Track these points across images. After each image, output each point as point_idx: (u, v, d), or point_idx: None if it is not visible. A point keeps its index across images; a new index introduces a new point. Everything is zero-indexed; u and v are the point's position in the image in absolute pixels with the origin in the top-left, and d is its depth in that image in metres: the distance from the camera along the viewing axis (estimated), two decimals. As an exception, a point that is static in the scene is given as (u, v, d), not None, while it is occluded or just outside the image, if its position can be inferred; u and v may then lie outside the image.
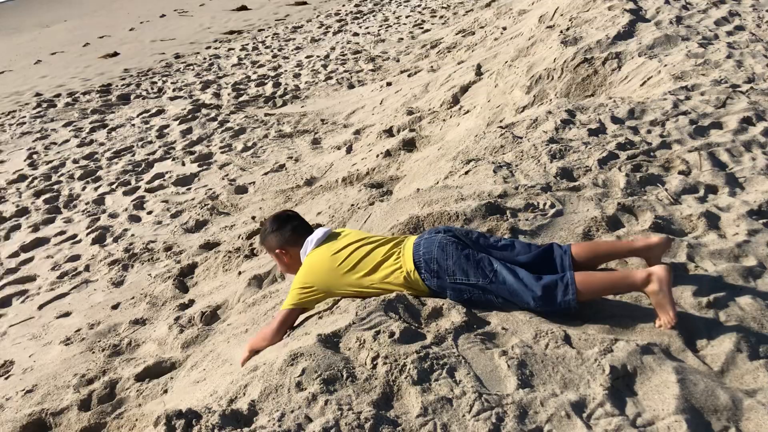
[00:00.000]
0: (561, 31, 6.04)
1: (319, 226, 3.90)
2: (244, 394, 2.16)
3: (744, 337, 2.45)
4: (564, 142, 3.96)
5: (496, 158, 3.84)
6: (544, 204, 3.28)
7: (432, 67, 10.70)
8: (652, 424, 2.05)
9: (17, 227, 7.48)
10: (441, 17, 15.34)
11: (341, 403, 2.04)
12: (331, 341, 2.35)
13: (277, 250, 3.41)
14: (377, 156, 6.94)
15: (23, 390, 4.70)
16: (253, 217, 6.86)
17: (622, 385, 2.19)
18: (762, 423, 2.10)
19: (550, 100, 5.04)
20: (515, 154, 3.80)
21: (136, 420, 4.23)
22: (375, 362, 2.22)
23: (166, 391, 4.36)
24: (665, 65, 5.17)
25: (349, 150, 7.93)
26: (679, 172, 3.68)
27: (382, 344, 2.28)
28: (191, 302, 5.44)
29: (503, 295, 2.69)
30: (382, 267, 2.92)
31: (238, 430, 1.94)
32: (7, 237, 7.34)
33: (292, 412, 2.01)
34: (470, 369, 2.21)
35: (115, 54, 14.12)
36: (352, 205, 5.64)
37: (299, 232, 3.37)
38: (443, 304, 2.60)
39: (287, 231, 3.38)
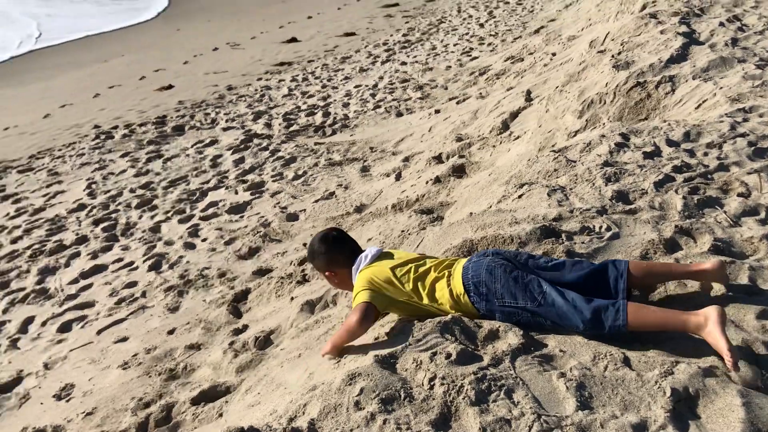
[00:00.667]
0: (612, 56, 6.01)
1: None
2: (304, 413, 2.19)
3: (813, 362, 2.38)
4: (618, 165, 3.93)
5: (549, 182, 3.84)
6: (600, 227, 3.26)
7: (481, 93, 10.73)
8: None
9: (77, 255, 7.70)
10: (489, 44, 15.40)
11: (399, 422, 2.05)
12: (387, 362, 2.36)
13: (326, 273, 3.42)
14: (427, 182, 6.98)
15: (83, 412, 4.83)
16: (305, 244, 6.93)
17: (684, 408, 2.15)
18: None
19: (603, 124, 5.01)
20: (569, 178, 3.79)
21: (192, 445, 4.30)
22: (432, 383, 2.23)
23: (221, 415, 4.42)
24: (721, 87, 5.10)
25: (398, 177, 7.98)
26: (738, 195, 3.61)
27: (439, 365, 2.29)
28: (245, 327, 5.51)
29: (552, 317, 2.67)
30: (434, 288, 2.92)
31: (299, 448, 1.97)
32: (67, 264, 7.56)
33: (351, 430, 2.03)
34: (528, 390, 2.20)
35: (170, 87, 14.55)
36: (403, 231, 5.66)
37: (348, 254, 3.36)
38: (499, 327, 2.59)
39: (339, 254, 3.35)
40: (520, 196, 3.73)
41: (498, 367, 2.30)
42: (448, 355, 2.33)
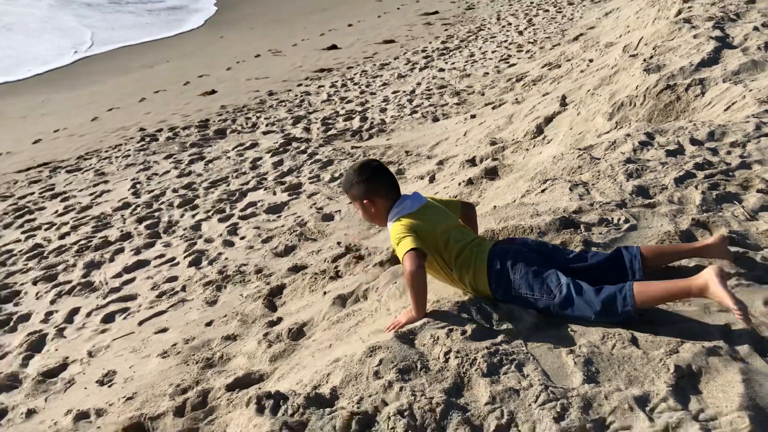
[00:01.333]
0: (644, 60, 6.07)
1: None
2: (327, 381, 2.35)
3: (814, 345, 2.46)
4: (641, 162, 4.02)
5: (572, 178, 3.95)
6: (618, 219, 3.37)
7: (517, 99, 10.82)
8: (714, 420, 2.10)
9: (121, 250, 7.99)
10: (527, 51, 15.46)
11: (415, 390, 2.20)
12: (406, 338, 2.51)
13: (364, 200, 3.26)
14: (459, 184, 7.10)
15: (124, 397, 5.05)
16: (338, 243, 7.10)
17: (686, 383, 2.25)
18: None
19: (630, 124, 5.09)
20: (592, 174, 3.90)
21: (226, 426, 4.48)
22: (447, 356, 2.37)
23: (254, 400, 4.58)
24: (750, 90, 5.14)
25: (431, 179, 8.12)
26: (758, 191, 3.68)
27: (455, 340, 2.43)
28: (279, 320, 5.69)
29: (565, 311, 2.76)
30: (461, 262, 2.97)
31: (322, 409, 2.13)
32: (111, 259, 7.85)
33: (370, 396, 2.19)
34: (538, 365, 2.33)
35: (213, 92, 14.92)
36: (434, 229, 5.81)
37: (387, 184, 3.27)
38: (514, 309, 2.73)
39: (378, 182, 3.23)
40: (543, 191, 3.85)
41: (510, 344, 2.43)
42: (464, 332, 2.47)
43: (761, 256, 3.05)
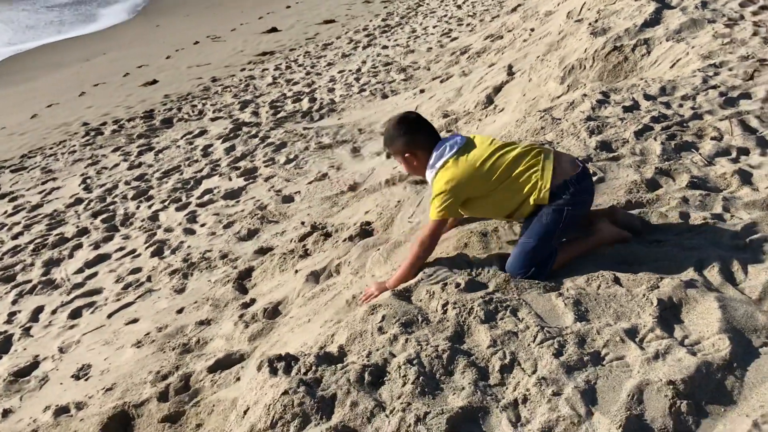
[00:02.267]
0: (590, 24, 6.28)
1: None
2: (332, 341, 2.44)
3: (778, 270, 2.68)
4: (601, 119, 4.21)
5: (537, 138, 4.11)
6: (587, 173, 3.54)
7: (463, 71, 10.97)
8: (698, 343, 2.30)
9: (79, 246, 7.86)
10: (468, 25, 15.63)
11: (420, 340, 2.31)
12: (403, 296, 2.62)
13: (406, 154, 3.23)
14: (417, 156, 7.21)
15: (103, 388, 5.02)
16: (303, 223, 7.14)
17: (669, 315, 2.44)
18: None
19: (584, 85, 5.29)
20: (556, 133, 4.07)
21: (213, 405, 4.53)
22: (445, 308, 2.49)
23: (238, 379, 4.62)
24: (693, 47, 5.39)
25: (388, 155, 8.22)
26: (712, 138, 3.90)
27: (450, 293, 2.55)
28: (252, 301, 5.73)
29: (542, 256, 2.95)
30: (518, 180, 3.01)
31: (333, 366, 2.22)
32: (71, 255, 7.72)
33: (378, 350, 2.29)
34: (531, 309, 2.47)
35: (155, 81, 14.66)
36: (399, 201, 5.91)
37: (427, 135, 3.26)
38: (494, 262, 2.88)
39: (418, 134, 3.21)
40: (510, 152, 3.98)
41: (502, 292, 2.57)
42: (458, 285, 2.59)
43: (722, 196, 3.27)
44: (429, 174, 3.12)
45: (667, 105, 4.38)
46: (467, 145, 3.13)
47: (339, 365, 2.25)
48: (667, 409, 2.08)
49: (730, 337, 2.30)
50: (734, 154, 3.75)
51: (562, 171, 3.03)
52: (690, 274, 2.66)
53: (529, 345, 2.31)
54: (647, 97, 4.54)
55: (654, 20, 6.13)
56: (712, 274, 2.69)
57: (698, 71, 4.81)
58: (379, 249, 3.63)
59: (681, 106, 4.35)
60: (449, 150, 3.09)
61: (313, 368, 2.22)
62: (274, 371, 2.24)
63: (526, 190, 2.99)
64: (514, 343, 2.32)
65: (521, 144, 3.16)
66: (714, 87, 4.56)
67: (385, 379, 2.18)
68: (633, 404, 2.10)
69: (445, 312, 2.49)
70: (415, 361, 2.22)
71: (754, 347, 2.33)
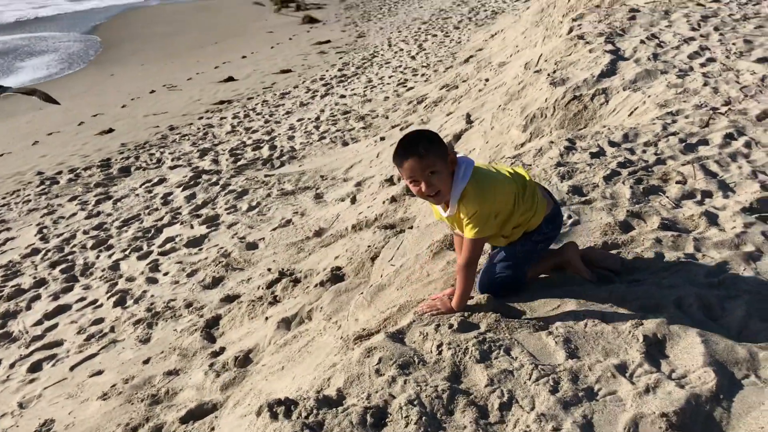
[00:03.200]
0: (548, 74, 6.54)
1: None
2: (329, 384, 2.46)
3: (753, 305, 2.87)
4: (570, 164, 4.38)
5: (510, 183, 4.25)
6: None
7: (422, 120, 11.22)
8: (685, 377, 2.42)
9: (37, 297, 7.68)
10: (422, 75, 16.01)
11: (418, 381, 2.35)
12: (397, 337, 2.66)
13: (450, 156, 2.89)
14: (383, 202, 7.30)
15: (69, 444, 4.89)
16: (269, 269, 7.12)
17: (655, 350, 2.55)
18: None
19: (549, 133, 5.49)
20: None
21: (191, 455, 4.44)
22: (440, 349, 2.54)
23: (213, 429, 4.56)
24: (649, 96, 5.67)
25: (353, 201, 8.30)
26: (677, 182, 4.11)
27: (444, 334, 2.61)
28: (222, 350, 5.66)
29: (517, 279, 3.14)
30: (526, 205, 3.03)
31: (334, 409, 2.24)
32: (28, 307, 7.53)
33: (377, 392, 2.32)
34: (523, 348, 2.55)
35: (111, 130, 14.54)
36: (369, 246, 5.96)
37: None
38: (483, 299, 2.97)
39: (445, 145, 2.93)
40: (486, 197, 4.11)
41: (494, 332, 2.64)
42: (451, 325, 2.66)
43: (692, 237, 3.44)
44: (459, 187, 2.86)
45: (632, 151, 4.60)
46: (480, 167, 3.01)
47: (340, 408, 2.27)
48: (662, 441, 2.17)
49: (714, 370, 2.41)
50: (699, 197, 3.96)
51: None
52: (671, 310, 2.79)
53: (525, 383, 2.38)
54: (612, 143, 4.75)
55: (610, 71, 6.42)
56: (692, 310, 2.83)
57: (657, 119, 5.06)
58: (362, 293, 3.67)
59: (644, 152, 4.57)
60: (469, 169, 2.89)
61: (315, 411, 2.24)
62: (274, 416, 2.24)
63: (527, 217, 3.05)
64: (511, 382, 2.38)
65: (515, 169, 3.21)
66: (673, 134, 4.80)
67: (387, 420, 2.21)
68: (630, 437, 2.19)
69: (440, 353, 2.54)
70: (415, 402, 2.26)
71: (737, 379, 2.45)
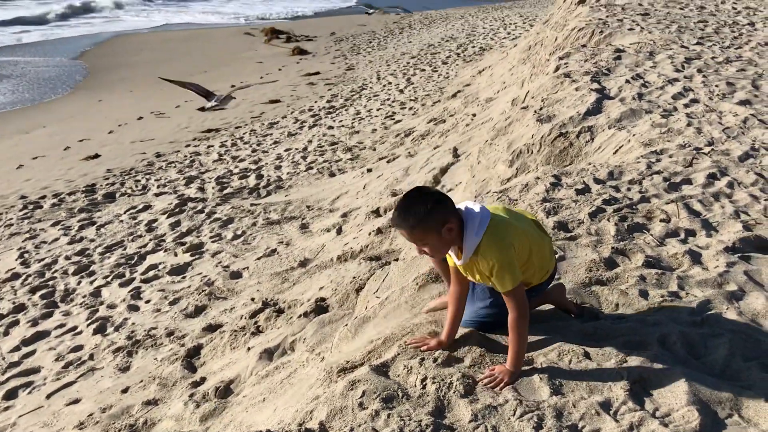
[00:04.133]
0: (535, 111, 6.63)
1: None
2: (312, 417, 2.43)
3: (736, 344, 2.89)
4: (555, 200, 4.42)
5: (496, 218, 4.27)
6: (548, 252, 3.71)
7: (409, 153, 11.28)
8: (669, 415, 2.42)
9: (16, 323, 7.57)
10: (410, 108, 16.14)
11: (402, 415, 2.33)
12: (381, 370, 2.65)
13: (448, 225, 2.76)
14: (369, 234, 7.31)
15: (43, 474, 4.79)
16: (253, 299, 7.08)
17: (639, 388, 2.56)
18: (759, 408, 2.52)
19: (535, 169, 5.55)
20: (513, 214, 4.25)
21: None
22: (424, 383, 2.53)
23: (192, 461, 4.49)
24: (634, 135, 5.76)
25: (339, 231, 8.29)
26: (661, 221, 4.16)
27: (428, 368, 2.60)
28: (203, 380, 5.59)
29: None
30: (540, 254, 2.99)
31: (316, 442, 2.21)
32: (6, 333, 7.41)
33: (360, 426, 2.30)
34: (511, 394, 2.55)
35: (97, 156, 14.49)
36: (354, 277, 5.95)
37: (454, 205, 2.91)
38: (468, 333, 2.96)
39: (447, 201, 2.84)
40: (472, 231, 4.13)
41: (479, 366, 2.64)
42: (435, 359, 2.65)
43: (676, 275, 3.47)
44: (472, 242, 2.76)
45: (617, 188, 4.65)
46: (496, 215, 2.95)
47: (322, 441, 2.25)
48: (647, 481, 2.16)
49: (698, 409, 2.42)
50: (683, 235, 4.00)
51: None
52: (654, 348, 2.80)
53: (509, 419, 2.37)
54: (597, 180, 4.80)
55: (595, 109, 6.52)
56: (676, 348, 2.84)
57: (641, 157, 5.13)
58: (346, 324, 3.65)
59: (629, 189, 4.63)
60: (484, 223, 2.80)
61: (296, 444, 2.21)
62: (256, 449, 2.21)
63: (534, 274, 3.00)
64: (495, 417, 2.37)
65: (529, 214, 3.20)
66: (658, 172, 4.87)
67: (369, 455, 2.19)
68: (615, 476, 2.18)
69: (424, 387, 2.53)
70: (399, 436, 2.24)
71: (720, 418, 2.46)
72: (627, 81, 7.40)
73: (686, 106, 6.66)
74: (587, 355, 2.73)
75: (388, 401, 2.44)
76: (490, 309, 3.02)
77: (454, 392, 2.48)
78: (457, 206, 2.89)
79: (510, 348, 2.73)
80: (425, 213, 2.73)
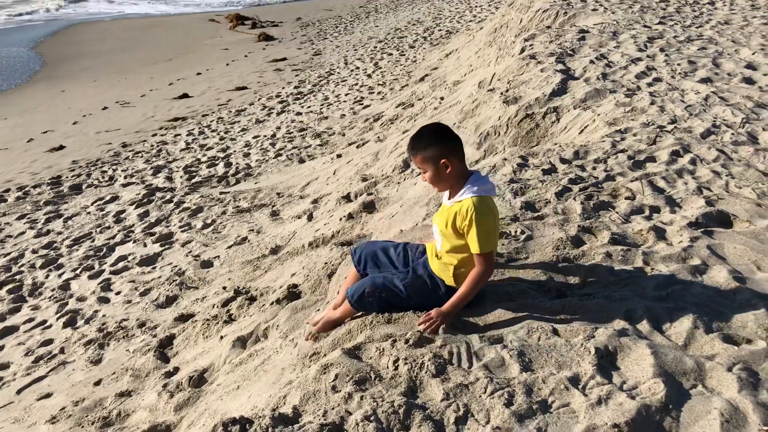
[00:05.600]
0: (501, 93, 6.67)
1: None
2: (285, 402, 2.45)
3: (699, 317, 2.95)
4: (522, 181, 4.47)
5: (465, 199, 4.30)
6: (516, 231, 3.75)
7: (378, 137, 11.27)
8: (636, 388, 2.48)
9: (-18, 319, 7.45)
10: (378, 93, 16.11)
11: (375, 397, 2.36)
12: (353, 353, 2.67)
13: (443, 160, 3.05)
14: (340, 219, 7.31)
15: (16, 470, 4.74)
16: (224, 287, 7.04)
17: (606, 362, 2.62)
18: (722, 378, 2.59)
19: (503, 150, 5.59)
20: (482, 195, 4.28)
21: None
22: (396, 364, 2.56)
23: (167, 451, 4.47)
24: (599, 114, 5.83)
25: (310, 218, 8.28)
26: (626, 198, 4.23)
27: (400, 349, 2.62)
28: (176, 370, 5.56)
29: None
30: None
31: (290, 426, 2.23)
32: (-28, 329, 7.30)
33: (333, 409, 2.31)
34: (479, 361, 2.57)
35: (61, 147, 14.25)
36: (326, 263, 5.95)
37: (462, 153, 3.20)
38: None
39: (458, 143, 3.13)
40: (441, 213, 4.17)
41: (450, 346, 2.67)
42: (407, 341, 2.67)
43: (641, 251, 3.54)
44: (464, 194, 3.03)
45: (582, 168, 4.71)
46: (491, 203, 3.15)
47: (296, 426, 2.26)
48: (614, 451, 2.22)
49: (664, 381, 2.48)
50: (647, 212, 4.07)
51: None
52: (621, 323, 2.86)
53: (480, 396, 2.41)
54: (563, 160, 4.86)
55: (561, 90, 6.58)
56: (641, 323, 2.90)
57: (606, 137, 5.20)
58: (319, 310, 3.66)
59: (594, 168, 4.69)
60: (490, 190, 3.11)
61: (270, 430, 2.22)
62: (229, 435, 2.22)
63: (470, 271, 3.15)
64: (466, 395, 2.41)
65: None
66: (622, 151, 4.94)
67: (343, 437, 2.21)
68: (583, 448, 2.23)
69: (396, 368, 2.56)
70: (372, 418, 2.26)
71: (685, 389, 2.52)
72: (591, 61, 7.47)
73: (649, 84, 6.75)
74: (555, 332, 2.78)
75: (360, 383, 2.46)
76: (403, 287, 3.17)
77: (426, 372, 2.51)
78: (473, 169, 3.21)
79: (457, 293, 2.99)
80: (426, 144, 3.11)
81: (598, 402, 2.39)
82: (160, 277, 7.88)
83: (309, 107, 15.81)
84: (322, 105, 15.83)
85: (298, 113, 15.33)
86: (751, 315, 2.97)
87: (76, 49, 28.54)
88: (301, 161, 11.60)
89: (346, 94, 16.58)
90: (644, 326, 2.87)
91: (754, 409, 2.40)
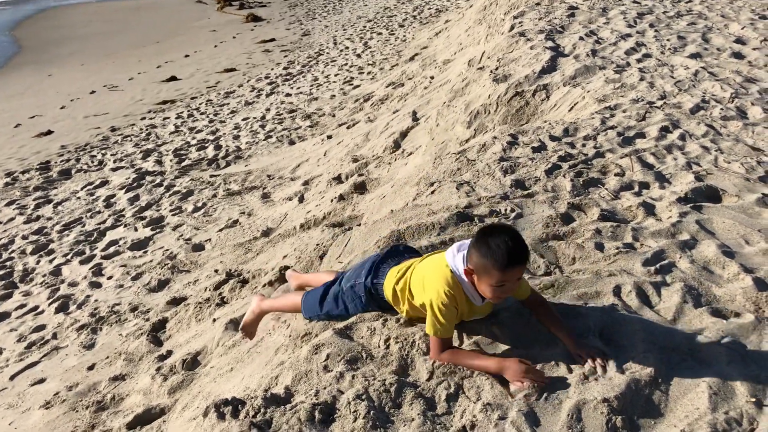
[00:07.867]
0: (491, 71, 6.64)
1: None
2: (277, 383, 2.45)
3: (687, 292, 2.98)
4: (512, 159, 4.46)
5: (455, 178, 4.31)
6: (506, 209, 3.75)
7: (369, 118, 11.23)
8: (628, 362, 2.49)
9: (-27, 306, 7.43)
10: (369, 73, 16.02)
11: (366, 375, 2.37)
12: (345, 333, 2.68)
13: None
14: (331, 201, 7.30)
15: (11, 455, 4.75)
16: (216, 270, 7.04)
17: (596, 337, 2.62)
18: (711, 352, 2.62)
19: (493, 129, 5.58)
20: (472, 174, 4.28)
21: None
22: (388, 343, 2.57)
23: (161, 432, 4.49)
24: (588, 91, 5.81)
25: (301, 200, 8.26)
26: (615, 175, 4.23)
27: (391, 328, 2.63)
28: (169, 353, 5.57)
29: None
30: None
31: (282, 407, 2.24)
32: (-36, 316, 7.28)
33: (325, 388, 2.32)
34: (469, 339, 2.59)
35: (50, 132, 14.14)
36: (318, 244, 5.95)
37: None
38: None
39: None
40: (432, 192, 4.17)
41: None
42: (398, 320, 2.68)
43: (631, 227, 3.55)
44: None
45: (572, 145, 4.71)
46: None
47: (288, 406, 2.27)
48: (604, 425, 2.24)
49: (654, 356, 2.50)
50: (637, 188, 4.08)
51: None
52: (611, 299, 2.87)
53: (471, 373, 2.42)
54: (552, 138, 4.85)
55: (551, 67, 6.56)
56: (631, 298, 2.92)
57: (596, 113, 5.20)
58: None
59: (584, 145, 4.69)
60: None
61: (262, 410, 2.23)
62: (221, 416, 2.23)
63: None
64: (457, 374, 2.42)
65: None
66: (612, 128, 4.94)
67: (335, 416, 2.22)
68: (573, 423, 2.25)
69: (387, 347, 2.57)
70: (363, 397, 2.27)
71: (674, 363, 2.55)
72: (581, 38, 7.45)
73: (639, 60, 6.74)
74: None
75: (352, 363, 2.47)
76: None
77: (417, 350, 2.52)
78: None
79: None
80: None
81: (587, 377, 2.41)
82: (151, 261, 7.87)
83: (298, 88, 15.72)
84: (312, 86, 15.74)
85: (288, 94, 15.24)
86: (739, 289, 3.00)
87: (63, 32, 28.26)
88: (292, 143, 11.56)
89: (335, 75, 16.49)
90: (633, 301, 2.89)
91: (742, 382, 2.43)
